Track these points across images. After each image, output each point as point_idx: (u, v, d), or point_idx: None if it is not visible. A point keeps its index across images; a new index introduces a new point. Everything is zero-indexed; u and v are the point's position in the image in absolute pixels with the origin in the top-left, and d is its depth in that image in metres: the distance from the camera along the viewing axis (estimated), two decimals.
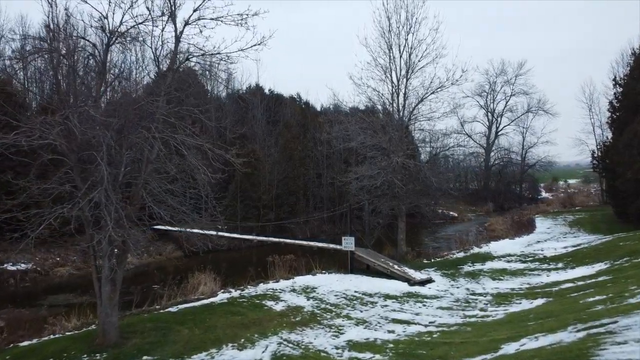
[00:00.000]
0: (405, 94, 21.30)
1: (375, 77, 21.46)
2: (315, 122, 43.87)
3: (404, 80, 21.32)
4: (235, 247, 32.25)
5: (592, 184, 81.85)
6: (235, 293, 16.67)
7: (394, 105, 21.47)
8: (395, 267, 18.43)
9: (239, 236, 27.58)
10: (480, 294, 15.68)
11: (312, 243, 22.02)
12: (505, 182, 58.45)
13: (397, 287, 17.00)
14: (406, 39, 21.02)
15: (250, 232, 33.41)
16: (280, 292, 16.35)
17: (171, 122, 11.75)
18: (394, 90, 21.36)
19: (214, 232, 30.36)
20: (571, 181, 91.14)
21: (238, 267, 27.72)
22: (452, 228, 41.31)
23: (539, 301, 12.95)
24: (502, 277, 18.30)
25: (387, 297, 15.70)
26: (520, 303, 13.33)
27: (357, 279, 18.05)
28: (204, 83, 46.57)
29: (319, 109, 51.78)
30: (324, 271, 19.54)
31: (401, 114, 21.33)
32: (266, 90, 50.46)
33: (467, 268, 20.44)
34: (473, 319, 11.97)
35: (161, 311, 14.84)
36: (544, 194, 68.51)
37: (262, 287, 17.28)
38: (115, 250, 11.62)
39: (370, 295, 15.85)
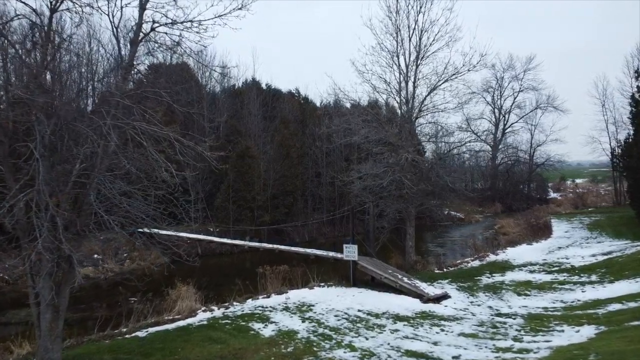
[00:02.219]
0: (414, 82, 18.84)
1: (381, 62, 19.04)
2: (314, 117, 41.44)
3: (414, 66, 18.87)
4: (227, 252, 29.86)
5: (601, 183, 79.55)
6: (217, 312, 14.24)
7: (402, 94, 19.00)
8: (405, 280, 15.98)
9: (229, 241, 25.13)
10: (507, 315, 13.22)
11: (309, 251, 19.57)
12: (513, 181, 55.93)
13: (407, 304, 14.57)
14: (416, 20, 18.59)
15: (244, 235, 30.98)
16: (270, 311, 13.91)
17: (127, 105, 9.30)
18: (402, 77, 18.90)
19: (204, 237, 27.96)
20: (578, 181, 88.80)
21: (227, 275, 25.25)
22: (459, 231, 38.83)
23: (588, 330, 10.48)
24: (528, 292, 15.85)
25: (397, 318, 13.25)
26: (562, 331, 10.87)
27: (360, 294, 15.62)
28: (197, 76, 44.20)
29: (318, 104, 49.35)
30: (322, 284, 17.11)
31: (410, 104, 18.86)
32: (263, 85, 48.08)
33: (485, 280, 18.01)
34: (508, 355, 9.51)
35: (127, 336, 12.39)
36: (552, 194, 66.04)
37: (250, 304, 14.85)
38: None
39: (377, 316, 13.40)
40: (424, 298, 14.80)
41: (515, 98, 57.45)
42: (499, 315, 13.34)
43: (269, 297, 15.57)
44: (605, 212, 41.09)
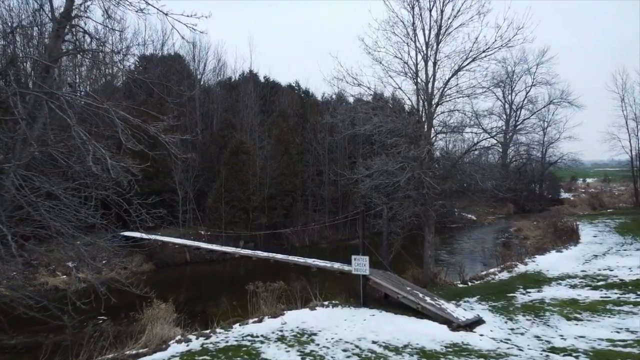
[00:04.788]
0: (435, 61, 15.94)
1: (395, 39, 16.13)
2: (315, 112, 38.55)
3: (434, 44, 15.96)
4: (218, 258, 27.02)
5: (612, 183, 76.83)
6: (195, 343, 11.32)
7: (420, 77, 16.11)
8: (428, 300, 13.07)
9: (218, 248, 22.22)
10: (565, 351, 10.29)
11: (310, 261, 16.67)
12: (525, 180, 52.97)
13: (434, 333, 11.64)
14: None
15: (237, 240, 28.12)
16: (262, 343, 11.02)
17: (46, 64, 6.42)
18: (420, 57, 16.02)
19: (193, 242, 25.03)
20: (588, 180, 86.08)
21: (218, 286, 22.40)
22: (473, 234, 35.90)
23: None
24: (579, 316, 12.92)
25: (423, 354, 10.34)
26: None
27: (373, 318, 12.71)
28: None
29: (320, 98, 46.51)
30: (326, 302, 14.21)
31: (430, 88, 15.96)
32: (261, 78, 45.29)
33: (520, 297, 15.11)
34: None
35: None
36: (563, 194, 63.26)
37: (236, 332, 11.93)
38: None
39: (397, 351, 10.49)
40: (454, 324, 11.90)
41: (527, 93, 54.49)
42: (554, 350, 10.42)
43: (261, 321, 12.66)
44: (628, 214, 38.37)
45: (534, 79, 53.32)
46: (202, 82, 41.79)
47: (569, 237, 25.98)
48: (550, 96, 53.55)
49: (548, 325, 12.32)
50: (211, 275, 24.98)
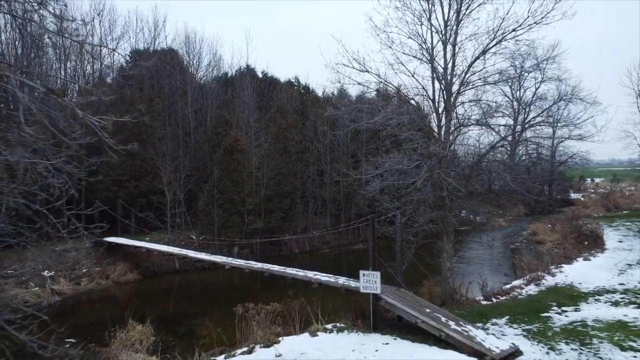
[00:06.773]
0: (455, 44, 13.78)
1: (408, 19, 13.97)
2: (316, 107, 36.38)
3: (454, 25, 13.81)
4: (210, 266, 24.83)
5: (621, 182, 74.71)
6: None
7: (438, 62, 13.95)
8: (452, 325, 10.89)
9: (207, 257, 20.04)
10: None
11: (310, 275, 14.49)
12: (535, 180, 50.69)
13: None
14: None
15: (232, 245, 25.95)
16: None
17: None
18: (438, 38, 13.86)
19: (179, 250, 22.84)
20: (596, 180, 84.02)
21: (206, 299, 20.22)
22: (484, 238, 33.61)
23: None
24: (634, 344, 10.73)
25: None
26: None
27: (387, 349, 10.52)
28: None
29: (320, 94, 44.31)
30: (329, 326, 12.04)
31: (449, 75, 13.80)
32: (259, 73, 43.13)
33: (557, 318, 12.92)
34: None
35: None
36: (573, 195, 61.09)
37: None
38: None
39: None
40: (486, 358, 9.72)
41: (536, 89, 52.09)
42: None
43: (250, 352, 10.50)
44: None
45: (543, 74, 50.92)
46: (196, 78, 39.74)
47: (593, 243, 23.80)
48: (560, 93, 51.24)
49: (600, 358, 10.14)
50: (201, 286, 22.83)
